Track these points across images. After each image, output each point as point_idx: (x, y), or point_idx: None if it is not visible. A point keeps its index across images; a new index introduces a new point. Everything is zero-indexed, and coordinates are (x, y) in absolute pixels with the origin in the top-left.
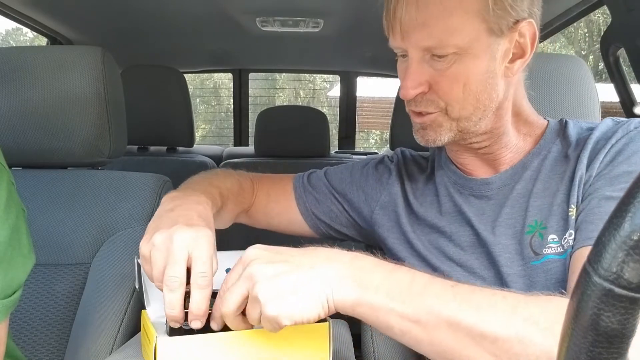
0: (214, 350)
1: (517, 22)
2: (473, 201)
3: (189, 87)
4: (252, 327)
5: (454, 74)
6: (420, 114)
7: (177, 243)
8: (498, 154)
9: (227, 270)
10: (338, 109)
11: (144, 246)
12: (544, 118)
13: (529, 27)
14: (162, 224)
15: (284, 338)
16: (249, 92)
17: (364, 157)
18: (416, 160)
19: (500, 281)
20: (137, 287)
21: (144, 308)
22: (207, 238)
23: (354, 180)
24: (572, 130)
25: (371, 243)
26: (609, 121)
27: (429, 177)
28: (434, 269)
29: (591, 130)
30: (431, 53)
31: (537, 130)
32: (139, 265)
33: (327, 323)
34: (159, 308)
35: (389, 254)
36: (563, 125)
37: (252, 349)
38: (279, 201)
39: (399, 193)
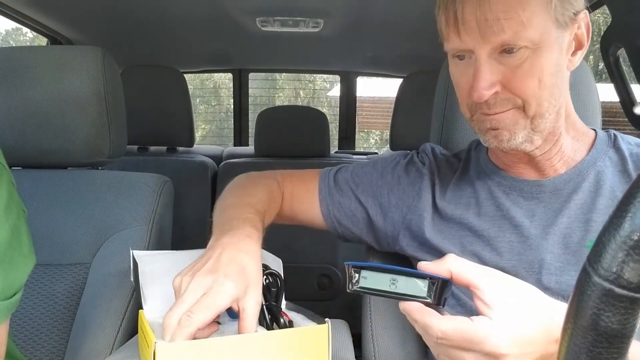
0: (213, 355)
1: (576, 13)
2: (522, 203)
3: (189, 87)
4: None
5: (528, 69)
6: (491, 117)
7: (224, 290)
8: (553, 159)
9: None
10: (338, 109)
11: (181, 278)
12: (591, 128)
13: (584, 18)
14: (211, 266)
15: (284, 341)
16: (249, 92)
17: (386, 155)
18: (448, 159)
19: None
20: (132, 280)
21: (142, 308)
22: (257, 291)
23: (385, 183)
24: (623, 145)
25: (387, 249)
26: None
27: (462, 177)
28: None
29: None
30: (502, 49)
31: (585, 137)
32: (135, 261)
33: (327, 325)
34: (156, 307)
35: (413, 259)
36: (612, 138)
37: (252, 353)
38: (303, 201)
39: (429, 199)
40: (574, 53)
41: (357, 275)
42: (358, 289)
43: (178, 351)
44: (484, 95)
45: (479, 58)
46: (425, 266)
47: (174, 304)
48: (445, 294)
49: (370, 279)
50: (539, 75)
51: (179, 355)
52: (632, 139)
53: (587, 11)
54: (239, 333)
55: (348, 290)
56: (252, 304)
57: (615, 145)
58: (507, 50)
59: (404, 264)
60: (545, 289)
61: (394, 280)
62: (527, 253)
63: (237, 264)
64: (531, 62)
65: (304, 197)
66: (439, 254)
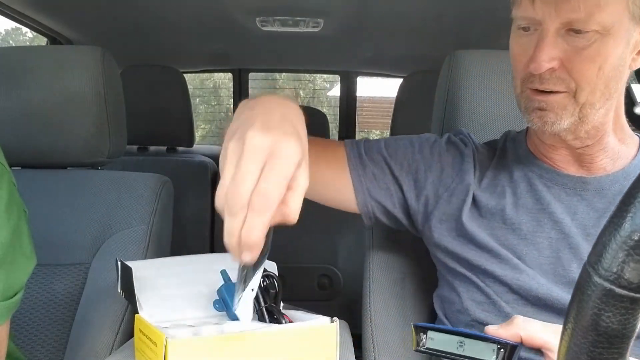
0: (224, 351)
1: None
2: (564, 198)
3: (189, 87)
4: None
5: (592, 54)
6: (542, 92)
7: (289, 154)
8: (595, 156)
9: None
10: (338, 109)
11: (226, 145)
12: (635, 131)
13: None
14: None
15: (294, 336)
16: (249, 92)
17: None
18: (485, 146)
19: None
20: (120, 290)
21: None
22: (307, 162)
23: (423, 158)
24: None
25: (417, 232)
26: None
27: (498, 166)
28: (499, 263)
29: None
30: (570, 27)
31: (630, 140)
32: (123, 267)
33: (335, 324)
34: (153, 312)
35: (442, 247)
36: None
37: (261, 350)
38: (330, 167)
39: (470, 182)
40: (638, 53)
41: (423, 336)
42: (425, 350)
43: (189, 346)
44: (543, 66)
45: (546, 30)
46: (493, 330)
47: (232, 183)
48: (514, 359)
49: (437, 340)
50: (601, 62)
51: (190, 350)
52: None
53: None
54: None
55: (414, 350)
56: (305, 177)
57: None
58: (575, 30)
59: (422, 261)
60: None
61: (462, 342)
62: (565, 251)
63: (290, 123)
64: (597, 48)
65: (332, 162)
66: (472, 242)
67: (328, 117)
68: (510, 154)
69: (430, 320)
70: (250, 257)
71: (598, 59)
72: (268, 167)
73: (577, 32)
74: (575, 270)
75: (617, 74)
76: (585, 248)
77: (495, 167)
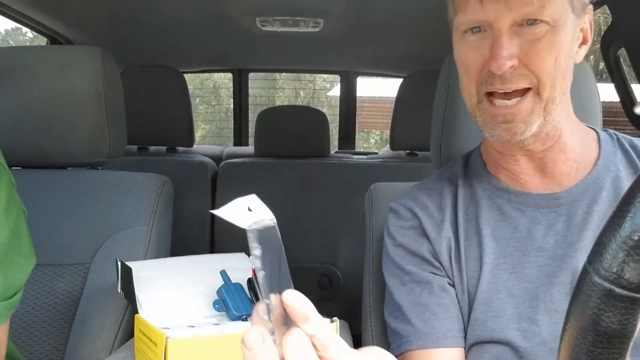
0: (224, 351)
1: (586, 5)
2: (540, 218)
3: (189, 87)
4: None
5: (548, 45)
6: (505, 106)
7: None
8: (557, 160)
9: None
10: (338, 109)
11: None
12: (587, 125)
13: (590, 14)
14: None
15: None
16: (249, 92)
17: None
18: (433, 195)
19: None
20: (120, 290)
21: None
22: None
23: (418, 285)
24: (628, 146)
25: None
26: None
27: (464, 204)
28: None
29: None
30: (523, 21)
31: (588, 138)
32: (123, 267)
33: (335, 324)
34: (153, 313)
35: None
36: (614, 138)
37: None
38: None
39: (446, 236)
40: (579, 46)
41: None
42: None
43: (189, 346)
44: (505, 64)
45: (500, 28)
46: None
47: None
48: None
49: None
50: (556, 53)
51: (190, 350)
52: (626, 136)
53: (592, 7)
54: None
55: None
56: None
57: (621, 146)
58: (528, 22)
59: None
60: None
61: None
62: (558, 275)
63: None
64: (550, 39)
65: None
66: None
67: (328, 117)
68: (466, 188)
69: None
70: None
71: (553, 50)
72: None
73: (532, 23)
74: (559, 297)
75: (569, 65)
76: (575, 265)
77: (463, 208)
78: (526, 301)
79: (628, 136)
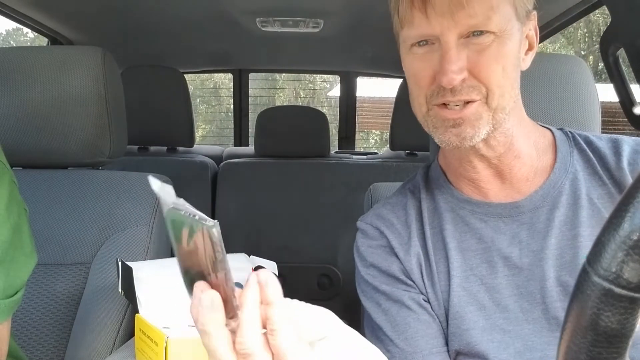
0: None
1: (529, 11)
2: (503, 228)
3: (189, 87)
4: None
5: (494, 55)
6: (453, 109)
7: None
8: (513, 166)
9: None
10: (338, 109)
11: None
12: (542, 125)
13: (534, 20)
14: None
15: None
16: (249, 92)
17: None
18: (393, 211)
19: (548, 322)
20: (120, 290)
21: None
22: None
23: (394, 305)
24: (584, 145)
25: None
26: (615, 137)
27: (429, 219)
28: (471, 322)
29: (602, 142)
30: (470, 33)
31: (544, 140)
32: (123, 267)
33: None
34: (154, 312)
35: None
36: (570, 137)
37: None
38: None
39: (415, 250)
40: (526, 52)
41: None
42: None
43: (189, 345)
44: (455, 79)
45: (448, 42)
46: None
47: None
48: None
49: None
50: (503, 63)
51: (190, 350)
52: (588, 134)
53: (535, 13)
54: None
55: None
56: None
57: (577, 145)
58: (474, 33)
59: None
60: (554, 318)
61: None
62: (525, 285)
63: None
64: (497, 48)
65: None
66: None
67: (328, 117)
68: (428, 203)
69: None
70: None
71: (501, 60)
72: None
73: (478, 34)
74: (540, 300)
75: (517, 74)
76: (541, 274)
77: (428, 221)
78: (497, 312)
79: (584, 133)
